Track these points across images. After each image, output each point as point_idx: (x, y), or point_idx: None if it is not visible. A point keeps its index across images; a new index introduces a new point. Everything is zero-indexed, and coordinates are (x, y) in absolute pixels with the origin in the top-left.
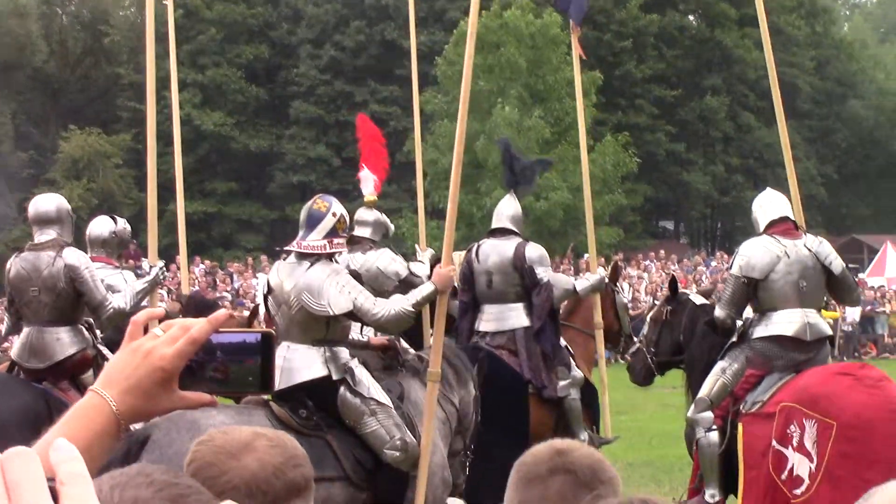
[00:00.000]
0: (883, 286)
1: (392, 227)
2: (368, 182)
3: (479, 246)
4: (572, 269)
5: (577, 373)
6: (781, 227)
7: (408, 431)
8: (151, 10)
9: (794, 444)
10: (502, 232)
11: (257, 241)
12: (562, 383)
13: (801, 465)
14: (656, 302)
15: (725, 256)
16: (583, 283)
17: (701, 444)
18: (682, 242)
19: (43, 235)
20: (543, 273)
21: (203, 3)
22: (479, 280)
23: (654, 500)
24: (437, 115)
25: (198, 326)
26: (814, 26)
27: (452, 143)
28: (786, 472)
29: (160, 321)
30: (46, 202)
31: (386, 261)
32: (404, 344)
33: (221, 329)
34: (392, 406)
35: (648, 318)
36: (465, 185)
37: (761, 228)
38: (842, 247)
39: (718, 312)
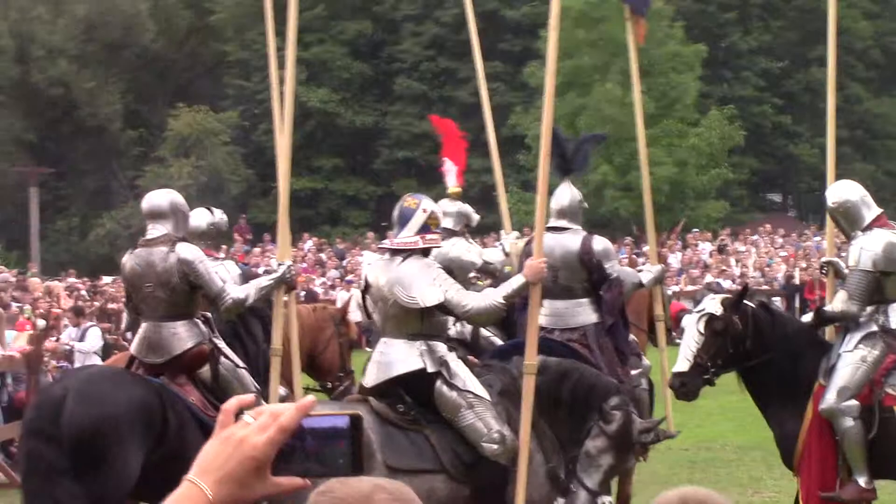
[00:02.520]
0: None
1: (476, 216)
2: (451, 175)
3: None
4: (680, 244)
5: (647, 362)
6: (884, 218)
7: (506, 425)
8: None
9: None
10: (558, 229)
11: (364, 216)
12: (633, 372)
13: None
14: (762, 279)
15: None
16: (647, 275)
17: (850, 433)
18: (790, 216)
19: (155, 231)
20: (611, 268)
21: None
22: None
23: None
24: (540, 89)
25: (287, 414)
26: None
27: (556, 116)
28: None
29: (250, 407)
30: (159, 197)
31: (460, 250)
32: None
33: (311, 413)
34: (490, 399)
35: (704, 331)
36: None
37: (868, 220)
38: None
39: (851, 307)
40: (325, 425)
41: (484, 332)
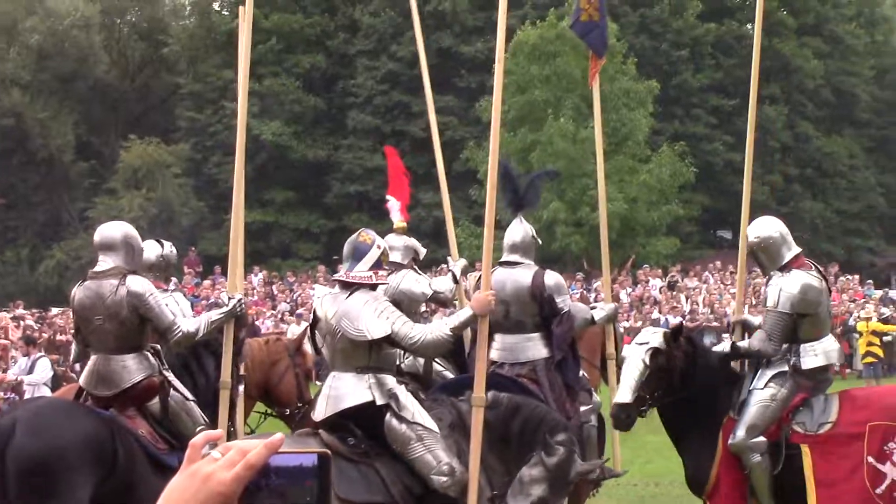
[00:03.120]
0: None
1: (423, 250)
2: (395, 210)
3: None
4: (630, 279)
5: (597, 398)
6: (802, 258)
7: (455, 458)
8: (248, 24)
9: (895, 459)
10: (511, 264)
11: (315, 250)
12: (583, 409)
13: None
14: (711, 315)
15: None
16: (599, 312)
17: (757, 468)
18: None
19: (105, 263)
20: (563, 302)
21: (260, 13)
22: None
23: None
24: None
25: (255, 451)
26: (873, 35)
27: (509, 151)
28: (883, 487)
29: (217, 443)
30: (112, 229)
31: (410, 282)
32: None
33: (279, 451)
34: (439, 432)
35: (650, 364)
36: None
37: (787, 258)
38: None
39: (768, 347)
40: (292, 463)
41: (436, 366)
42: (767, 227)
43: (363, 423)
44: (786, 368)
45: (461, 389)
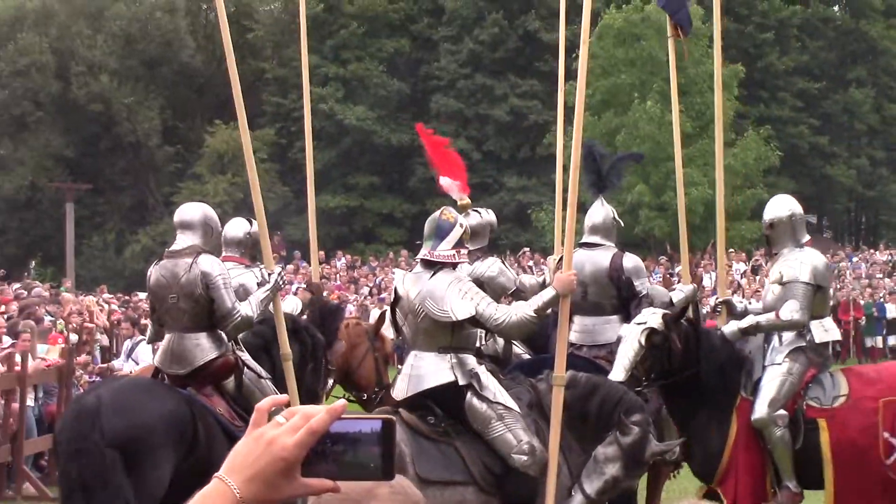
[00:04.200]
0: None
1: (493, 218)
2: (453, 188)
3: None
4: (714, 263)
5: None
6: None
7: (535, 437)
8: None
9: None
10: (590, 245)
11: (398, 235)
12: None
13: None
14: None
15: (871, 251)
16: (678, 294)
17: (782, 441)
18: (825, 237)
19: (182, 242)
20: (641, 285)
21: None
22: None
23: None
24: None
25: (318, 417)
26: None
27: (594, 135)
28: (893, 458)
29: (285, 407)
30: (191, 209)
31: (494, 272)
32: (519, 350)
33: (343, 416)
34: (519, 411)
35: (645, 343)
36: None
37: (804, 239)
38: None
39: (803, 317)
40: (357, 429)
41: (515, 349)
42: (793, 203)
43: (444, 402)
44: (801, 343)
45: (539, 369)
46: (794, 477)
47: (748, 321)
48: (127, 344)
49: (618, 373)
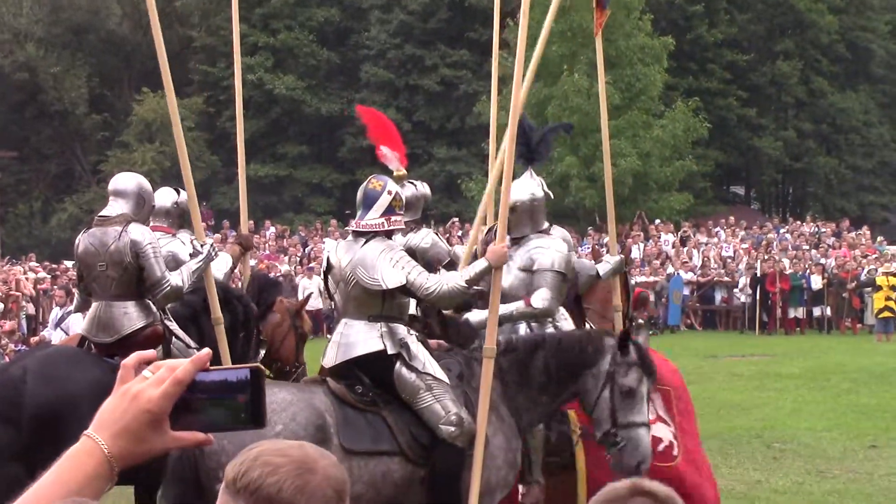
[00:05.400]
0: None
1: (427, 190)
2: (392, 159)
3: (495, 230)
4: (642, 234)
5: None
6: None
7: (464, 408)
8: None
9: (652, 416)
10: None
11: (328, 204)
12: None
13: (664, 433)
14: (722, 270)
15: (798, 223)
16: (604, 266)
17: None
18: (753, 208)
19: (112, 209)
20: None
21: None
22: None
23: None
24: (509, 77)
25: (182, 367)
26: None
27: (524, 106)
28: (661, 447)
29: (149, 363)
30: (126, 177)
31: (427, 244)
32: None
33: (209, 368)
34: (448, 382)
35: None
36: None
37: (544, 225)
38: None
39: (552, 306)
40: (223, 378)
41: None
42: (537, 187)
43: (373, 371)
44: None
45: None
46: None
47: (516, 307)
48: (56, 312)
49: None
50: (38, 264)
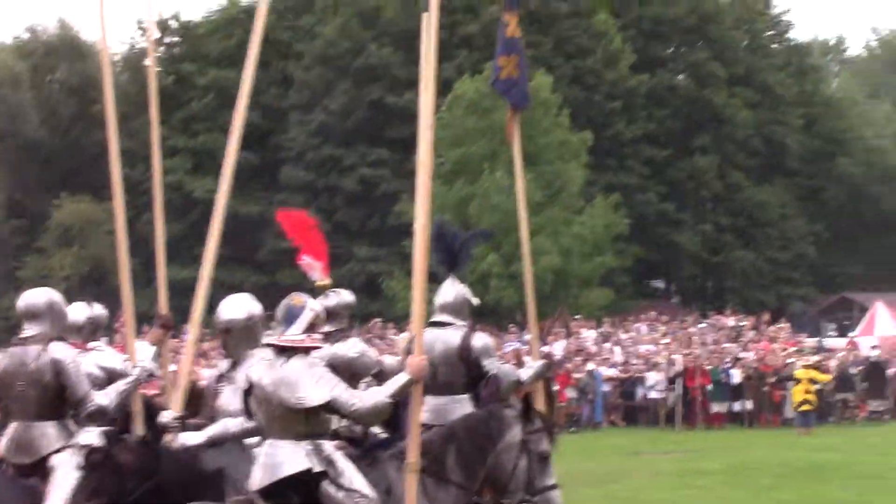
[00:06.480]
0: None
1: (352, 298)
2: (315, 269)
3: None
4: (564, 331)
5: None
6: None
7: None
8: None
9: None
10: (441, 324)
11: None
12: None
13: None
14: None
15: (717, 317)
16: (527, 372)
17: None
18: (673, 302)
19: (30, 330)
20: (490, 364)
21: (196, 70)
22: None
23: None
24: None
25: None
26: (803, 85)
27: (445, 204)
28: None
29: None
30: (35, 296)
31: (355, 353)
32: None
33: None
34: (376, 497)
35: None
36: None
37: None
38: (832, 306)
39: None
40: None
41: (372, 429)
42: (246, 306)
43: (300, 490)
44: None
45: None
46: None
47: (214, 430)
48: None
49: None
50: None
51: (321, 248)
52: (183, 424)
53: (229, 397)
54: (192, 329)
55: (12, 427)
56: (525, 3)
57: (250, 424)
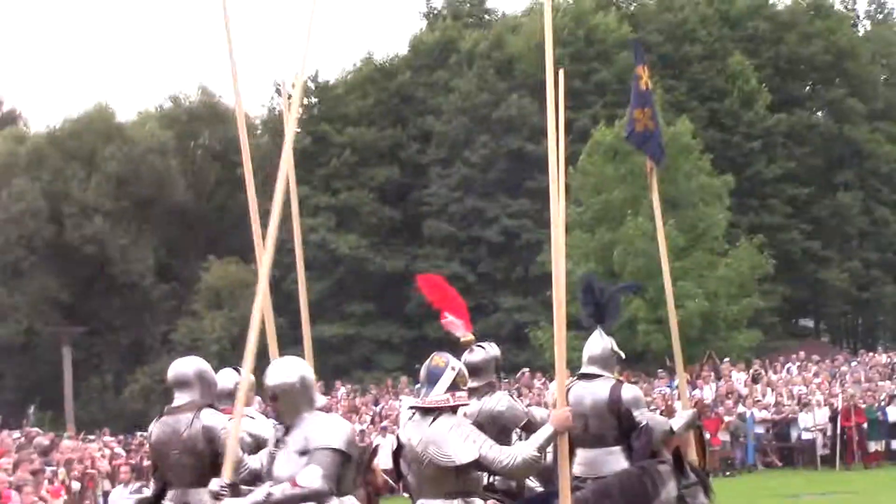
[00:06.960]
0: None
1: (497, 351)
2: (457, 326)
3: (568, 389)
4: (713, 374)
5: None
6: None
7: None
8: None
9: None
10: (589, 377)
11: (397, 361)
12: None
13: None
14: (796, 406)
15: (870, 354)
16: (678, 421)
17: None
18: (823, 341)
19: (180, 399)
20: (640, 415)
21: (334, 129)
22: None
23: None
24: (571, 225)
25: None
26: None
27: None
28: None
29: None
30: (184, 365)
31: (503, 407)
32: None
33: None
34: None
35: None
36: None
37: (320, 401)
38: None
39: (325, 485)
40: None
41: (527, 482)
42: (296, 369)
43: None
44: None
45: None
46: None
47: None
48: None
49: None
50: (112, 438)
51: (461, 306)
52: (234, 492)
53: (283, 463)
54: (241, 393)
55: (170, 494)
56: (658, 48)
57: (295, 491)
